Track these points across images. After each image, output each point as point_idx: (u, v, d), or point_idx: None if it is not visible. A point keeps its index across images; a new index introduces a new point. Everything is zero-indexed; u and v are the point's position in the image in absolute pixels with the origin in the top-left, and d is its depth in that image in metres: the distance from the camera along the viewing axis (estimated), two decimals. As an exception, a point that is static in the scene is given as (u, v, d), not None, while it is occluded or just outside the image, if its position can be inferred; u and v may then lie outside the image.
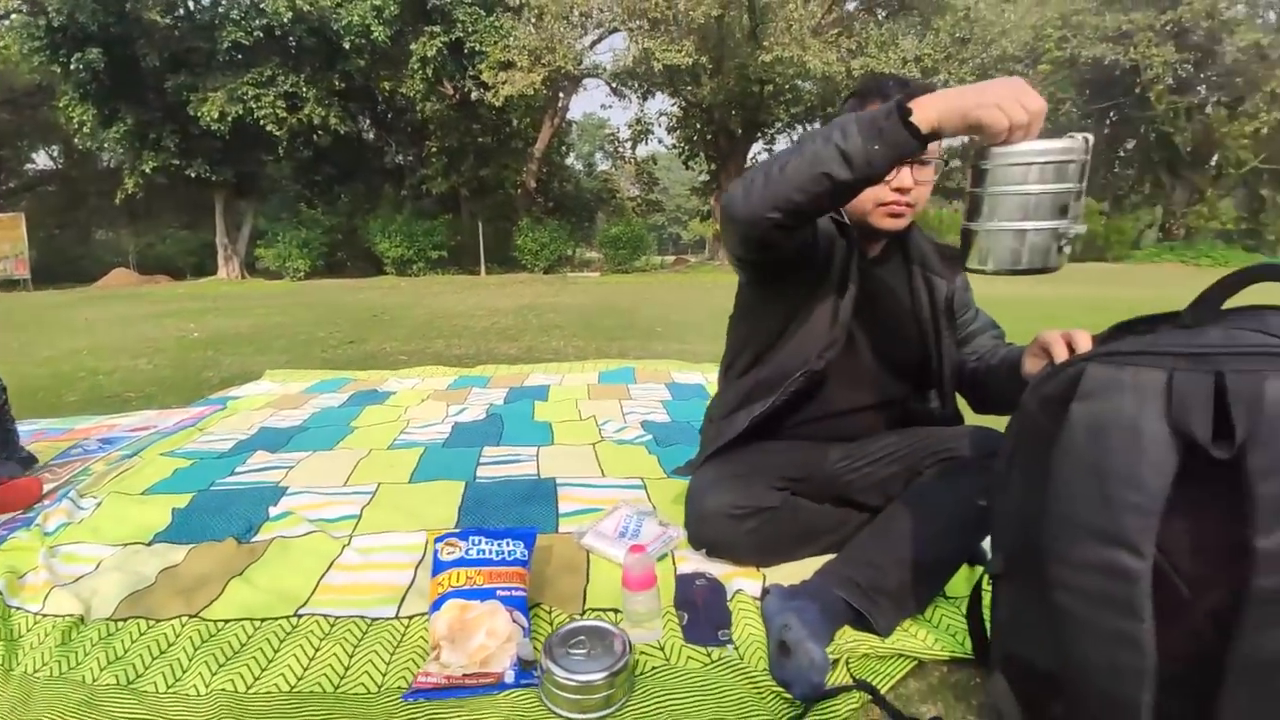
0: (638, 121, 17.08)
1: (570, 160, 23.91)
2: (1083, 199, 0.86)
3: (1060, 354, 0.89)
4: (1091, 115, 17.89)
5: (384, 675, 0.97)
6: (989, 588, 0.91)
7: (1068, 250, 0.86)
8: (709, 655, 1.01)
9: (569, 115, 18.43)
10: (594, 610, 1.13)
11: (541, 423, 2.25)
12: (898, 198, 1.13)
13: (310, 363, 3.75)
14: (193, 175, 13.44)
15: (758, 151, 17.55)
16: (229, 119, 12.36)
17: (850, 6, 12.96)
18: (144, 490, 1.70)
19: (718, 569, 1.23)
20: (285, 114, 12.59)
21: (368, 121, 16.47)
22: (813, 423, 1.29)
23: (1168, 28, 15.10)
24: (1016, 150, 0.83)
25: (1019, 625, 0.83)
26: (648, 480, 1.69)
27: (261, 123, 12.53)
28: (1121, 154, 19.78)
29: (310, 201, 16.36)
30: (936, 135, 0.88)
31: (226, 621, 1.12)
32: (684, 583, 1.18)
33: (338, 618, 1.12)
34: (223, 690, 0.95)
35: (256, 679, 0.97)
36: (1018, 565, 0.82)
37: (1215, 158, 17.49)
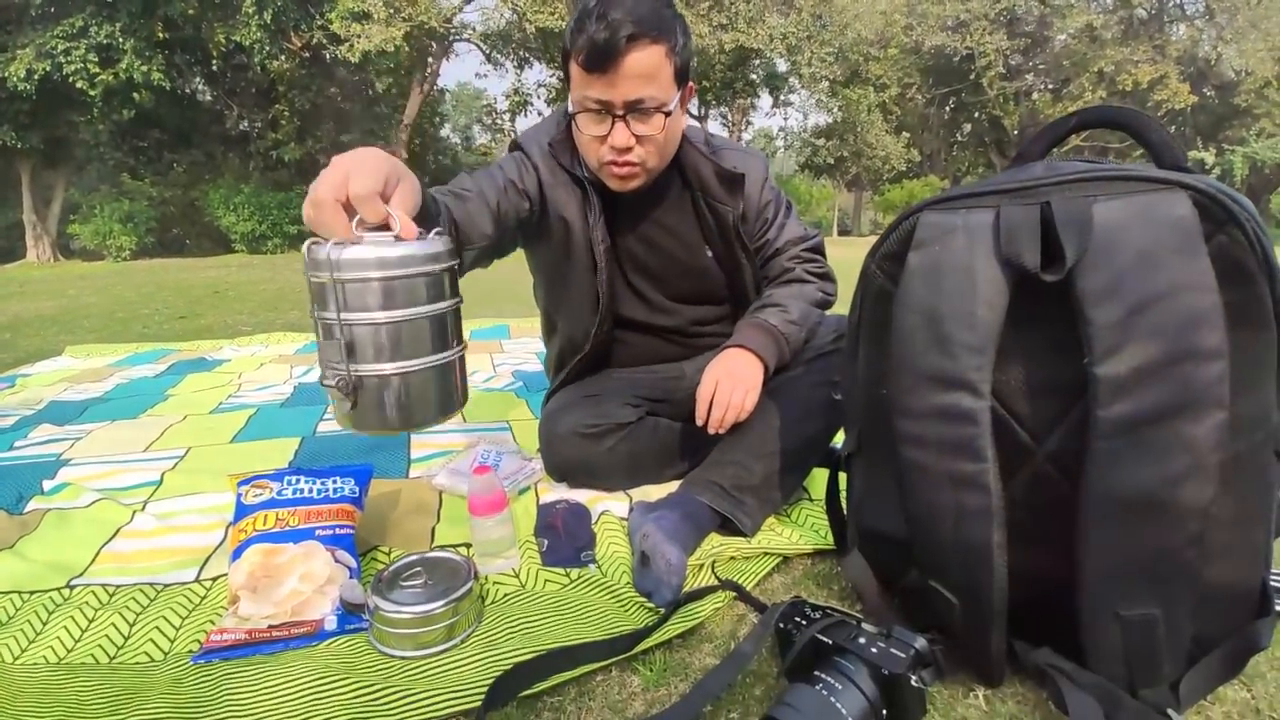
0: (515, 92, 16.46)
1: (445, 132, 22.70)
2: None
3: (700, 417, 1.02)
4: (934, 101, 19.59)
5: (172, 641, 0.80)
6: (845, 479, 0.90)
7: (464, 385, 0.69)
8: (569, 576, 0.93)
9: (441, 83, 17.40)
10: (443, 548, 1.02)
11: (400, 377, 2.05)
12: (615, 157, 0.99)
13: (126, 339, 3.22)
14: (-1, 144, 11.34)
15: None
16: (36, 77, 10.47)
17: (721, -18, 13.19)
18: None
19: (583, 496, 1.16)
20: (98, 69, 10.81)
21: (201, 80, 14.53)
22: (643, 360, 1.25)
23: (1001, 16, 16.74)
24: (349, 258, 0.59)
25: (872, 500, 0.82)
26: (513, 422, 1.58)
27: (71, 79, 10.70)
28: (959, 138, 21.92)
29: (135, 171, 14.27)
30: None
31: (-11, 596, 0.90)
32: (545, 510, 1.09)
33: (119, 586, 0.92)
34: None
35: (23, 651, 0.79)
36: (868, 438, 0.82)
37: (1039, 138, 19.76)
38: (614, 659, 0.76)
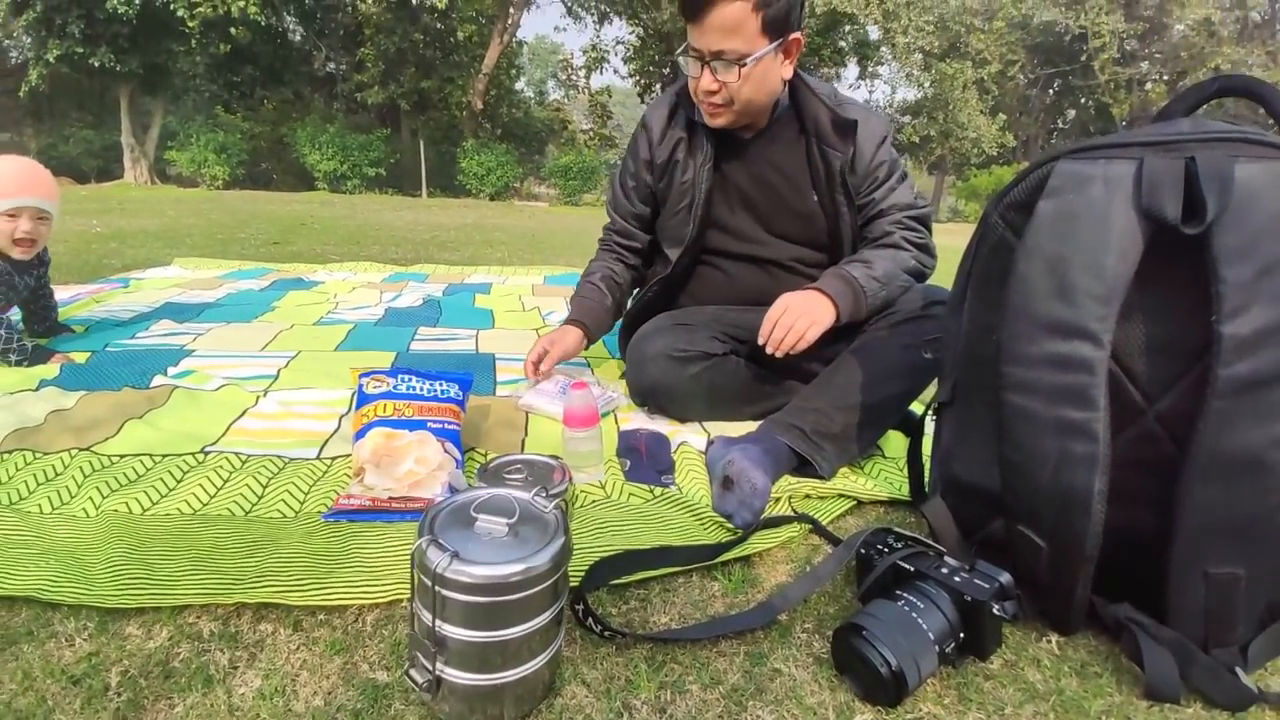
0: (593, 48, 16.31)
1: (520, 85, 22.75)
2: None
3: (763, 336, 1.09)
4: (1038, 81, 18.33)
5: (301, 503, 0.90)
6: (928, 433, 0.91)
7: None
8: (651, 492, 0.99)
9: (520, 34, 17.38)
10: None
11: (483, 309, 2.15)
12: (705, 99, 1.13)
13: (226, 257, 3.44)
14: (97, 65, 12.02)
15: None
16: (137, 1, 11.00)
17: (817, -60, 12.56)
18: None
19: (663, 427, 1.21)
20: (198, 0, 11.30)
21: (294, 19, 14.98)
22: (735, 297, 1.31)
23: (1120, -7, 15.53)
24: (459, 580, 0.54)
25: (961, 450, 0.84)
26: (592, 360, 1.64)
27: (173, 8, 11.21)
28: (1061, 124, 20.50)
29: (228, 105, 14.94)
30: None
31: (122, 456, 1.01)
32: (627, 435, 1.15)
33: (250, 456, 1.03)
34: (115, 511, 0.85)
35: (155, 504, 0.88)
36: (965, 388, 0.83)
37: (1149, 133, 18.36)
38: (696, 565, 0.81)
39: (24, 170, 1.42)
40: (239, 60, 14.06)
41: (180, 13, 11.30)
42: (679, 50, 1.14)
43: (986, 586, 0.66)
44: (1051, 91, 19.08)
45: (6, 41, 13.97)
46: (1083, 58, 16.46)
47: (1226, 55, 15.32)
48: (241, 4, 11.53)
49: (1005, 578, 0.67)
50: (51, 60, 11.73)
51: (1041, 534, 0.70)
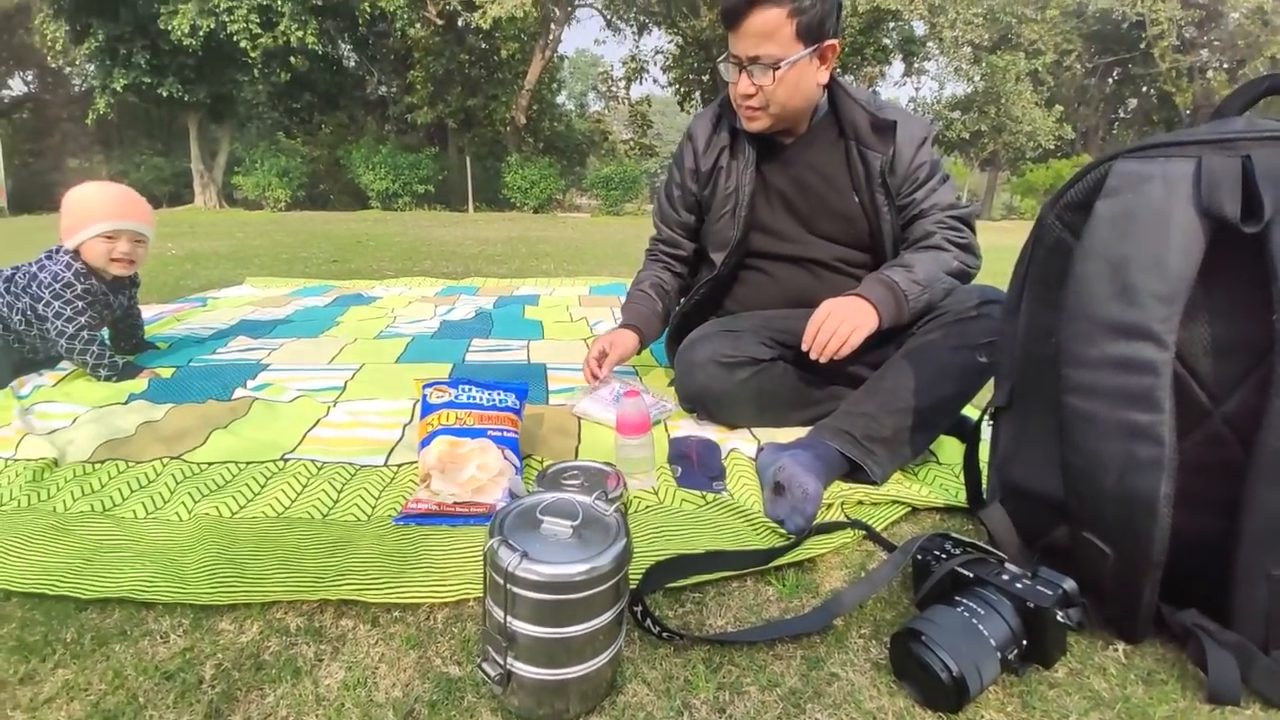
0: (632, 59, 16.48)
1: (561, 99, 23.17)
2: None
3: (807, 341, 1.09)
4: (1096, 70, 17.55)
5: (373, 508, 0.96)
6: (985, 438, 0.90)
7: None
8: (703, 498, 1.00)
9: (561, 49, 17.73)
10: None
11: (532, 321, 2.21)
12: (743, 103, 1.17)
13: (291, 275, 3.63)
14: (165, 95, 12.84)
15: (755, 95, 16.94)
16: (200, 33, 11.74)
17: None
18: (120, 368, 1.65)
19: (712, 434, 1.22)
20: (259, 30, 11.96)
21: (348, 47, 15.71)
22: (781, 299, 1.33)
23: (1175, -19, 14.75)
24: (528, 577, 0.57)
25: (1021, 454, 0.82)
26: (640, 368, 1.67)
27: (235, 39, 11.91)
28: (1122, 114, 19.55)
29: (289, 131, 15.75)
30: None
31: (210, 464, 1.09)
32: (678, 442, 1.17)
33: (325, 463, 1.10)
34: (206, 515, 0.92)
35: (242, 508, 0.95)
36: (1024, 391, 0.81)
37: (1214, 121, 17.36)
38: (750, 569, 0.83)
39: (121, 197, 1.56)
40: (298, 87, 14.82)
41: (243, 44, 11.99)
42: (720, 58, 1.19)
43: (1050, 593, 0.65)
44: (1111, 80, 18.22)
45: (69, 69, 14.90)
46: (1142, 45, 15.67)
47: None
48: (300, 34, 12.17)
49: (1069, 584, 0.66)
50: (119, 89, 12.47)
51: (1107, 540, 0.68)
